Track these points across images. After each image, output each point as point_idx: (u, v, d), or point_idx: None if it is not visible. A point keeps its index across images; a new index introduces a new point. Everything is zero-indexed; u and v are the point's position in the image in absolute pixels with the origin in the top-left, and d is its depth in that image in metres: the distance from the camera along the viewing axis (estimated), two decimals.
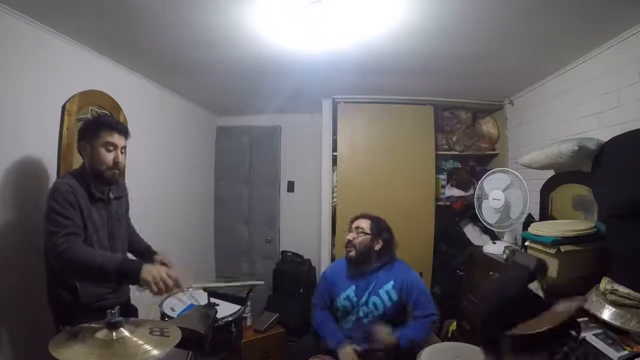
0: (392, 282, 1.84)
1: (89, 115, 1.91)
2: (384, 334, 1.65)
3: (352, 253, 1.89)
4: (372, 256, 1.89)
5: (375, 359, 1.65)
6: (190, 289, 1.80)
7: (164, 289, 1.20)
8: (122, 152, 1.47)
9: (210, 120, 3.70)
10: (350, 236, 1.92)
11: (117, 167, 1.45)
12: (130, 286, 1.54)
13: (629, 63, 1.65)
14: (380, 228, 1.92)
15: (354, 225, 1.95)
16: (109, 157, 1.42)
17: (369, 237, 1.89)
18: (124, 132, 1.48)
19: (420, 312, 1.82)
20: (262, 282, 1.59)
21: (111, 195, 1.53)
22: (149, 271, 1.20)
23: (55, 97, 1.72)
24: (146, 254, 1.68)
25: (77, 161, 1.79)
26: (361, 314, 1.85)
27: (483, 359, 0.94)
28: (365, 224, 1.92)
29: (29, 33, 1.56)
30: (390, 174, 2.89)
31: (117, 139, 1.44)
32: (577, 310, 0.89)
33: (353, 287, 1.89)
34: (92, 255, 1.26)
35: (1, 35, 1.44)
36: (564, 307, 0.88)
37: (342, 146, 2.91)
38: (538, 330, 0.80)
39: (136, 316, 1.64)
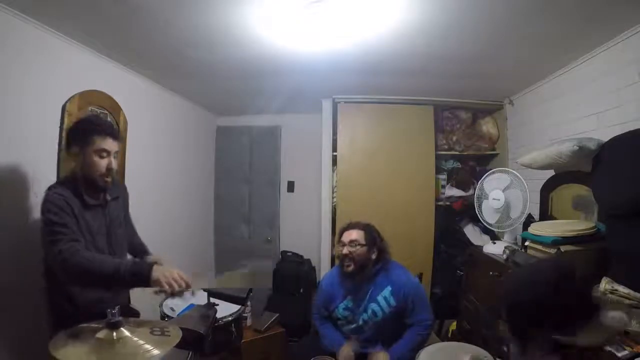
0: (389, 288, 1.83)
1: None
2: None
3: (351, 268, 1.84)
4: (370, 266, 1.86)
5: None
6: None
7: (177, 288, 1.19)
8: (114, 158, 1.42)
9: (210, 120, 3.70)
10: (346, 250, 1.85)
11: (110, 174, 1.40)
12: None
13: (629, 63, 1.65)
14: (373, 236, 1.89)
15: (346, 239, 1.87)
16: (102, 164, 1.37)
17: (365, 248, 1.85)
18: (116, 136, 1.43)
19: (415, 318, 1.80)
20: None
21: (108, 198, 1.48)
22: (160, 271, 1.19)
23: (55, 97, 1.72)
24: (138, 252, 1.67)
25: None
26: (361, 321, 1.85)
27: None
28: (359, 235, 1.86)
29: (29, 33, 1.56)
30: (390, 174, 2.89)
31: (109, 144, 1.39)
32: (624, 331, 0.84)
33: (350, 296, 1.88)
34: (101, 260, 1.24)
35: (1, 35, 1.44)
36: (612, 324, 0.83)
37: (342, 146, 2.91)
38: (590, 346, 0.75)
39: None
